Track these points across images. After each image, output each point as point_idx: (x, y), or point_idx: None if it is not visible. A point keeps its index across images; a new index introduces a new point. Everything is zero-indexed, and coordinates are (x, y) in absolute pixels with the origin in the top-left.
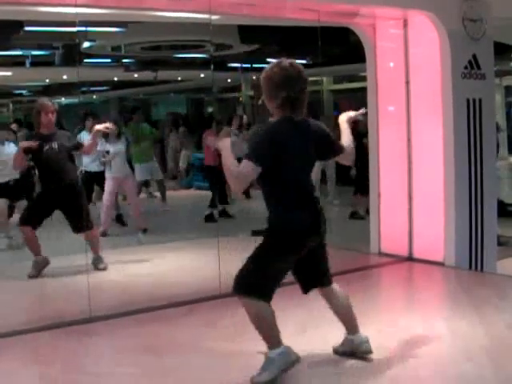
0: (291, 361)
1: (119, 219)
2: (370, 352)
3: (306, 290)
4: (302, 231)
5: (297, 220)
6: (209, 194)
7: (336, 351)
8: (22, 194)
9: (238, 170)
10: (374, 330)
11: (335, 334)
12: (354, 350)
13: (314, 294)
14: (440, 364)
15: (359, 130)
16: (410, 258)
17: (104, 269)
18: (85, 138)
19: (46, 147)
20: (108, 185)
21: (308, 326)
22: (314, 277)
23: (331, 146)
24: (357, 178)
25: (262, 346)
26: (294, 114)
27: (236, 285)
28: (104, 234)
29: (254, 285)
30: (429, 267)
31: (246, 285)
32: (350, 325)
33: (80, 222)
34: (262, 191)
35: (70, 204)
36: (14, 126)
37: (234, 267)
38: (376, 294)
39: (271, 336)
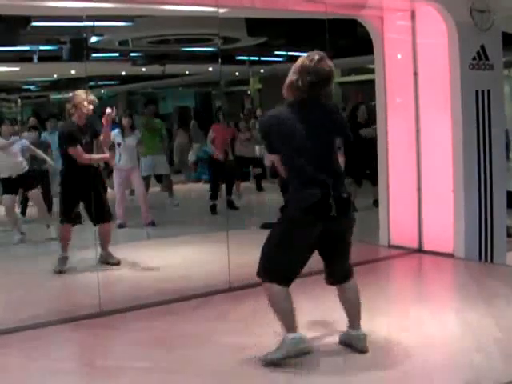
0: (300, 348)
1: None
2: (364, 351)
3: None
4: (307, 209)
5: (304, 198)
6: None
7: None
8: (31, 186)
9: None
10: (384, 321)
11: (343, 327)
12: (351, 344)
13: (323, 286)
14: (450, 355)
15: (358, 121)
16: (419, 250)
17: (117, 263)
18: None
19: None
20: (116, 177)
21: (317, 318)
22: (331, 272)
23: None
24: (352, 169)
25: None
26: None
27: (258, 269)
28: (121, 226)
29: (271, 269)
30: (438, 259)
31: (265, 269)
32: (352, 320)
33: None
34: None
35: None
36: (32, 121)
37: (244, 260)
38: (386, 286)
39: (286, 320)
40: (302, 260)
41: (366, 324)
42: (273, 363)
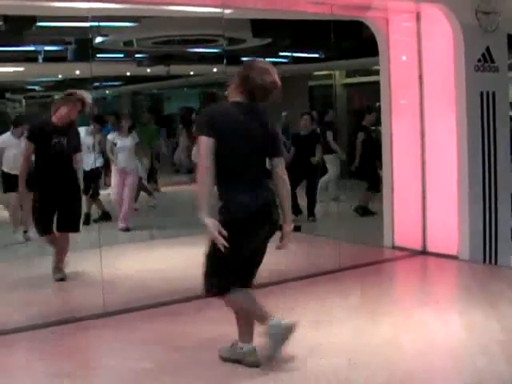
0: (285, 328)
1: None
2: (258, 364)
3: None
4: (249, 217)
5: (243, 205)
6: None
7: (221, 357)
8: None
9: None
10: (387, 323)
11: (347, 328)
12: (240, 359)
13: (326, 290)
14: (454, 357)
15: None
16: (423, 252)
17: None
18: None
19: (55, 140)
20: (113, 176)
21: (321, 320)
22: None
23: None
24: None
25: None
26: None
27: (206, 288)
28: (124, 229)
29: (222, 283)
30: (443, 261)
31: (216, 285)
32: (246, 332)
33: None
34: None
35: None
36: None
37: None
38: (390, 288)
39: (262, 314)
40: (247, 259)
41: (369, 325)
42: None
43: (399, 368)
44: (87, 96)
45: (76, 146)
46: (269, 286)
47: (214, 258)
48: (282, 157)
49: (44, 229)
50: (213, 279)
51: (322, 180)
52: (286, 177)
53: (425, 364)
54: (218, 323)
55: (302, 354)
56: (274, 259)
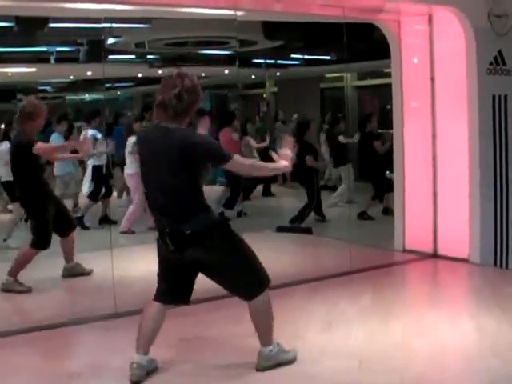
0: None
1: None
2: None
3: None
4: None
5: None
6: None
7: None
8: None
9: None
10: (399, 325)
11: (359, 331)
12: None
13: (338, 292)
14: (466, 360)
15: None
16: (434, 255)
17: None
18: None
19: None
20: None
21: (332, 323)
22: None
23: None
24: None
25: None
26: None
27: (251, 290)
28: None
29: (264, 277)
30: (453, 264)
31: (261, 281)
32: (148, 344)
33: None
34: None
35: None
36: None
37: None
38: (401, 291)
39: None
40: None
41: (381, 328)
42: None
43: (411, 370)
44: None
45: None
46: (280, 288)
47: (247, 255)
48: (229, 160)
49: None
50: (260, 274)
51: (340, 192)
52: (243, 168)
53: (436, 367)
54: (230, 324)
55: (313, 356)
56: (285, 261)
